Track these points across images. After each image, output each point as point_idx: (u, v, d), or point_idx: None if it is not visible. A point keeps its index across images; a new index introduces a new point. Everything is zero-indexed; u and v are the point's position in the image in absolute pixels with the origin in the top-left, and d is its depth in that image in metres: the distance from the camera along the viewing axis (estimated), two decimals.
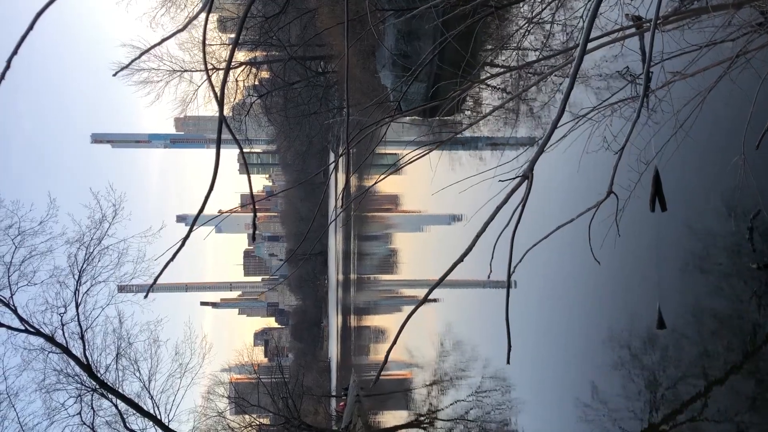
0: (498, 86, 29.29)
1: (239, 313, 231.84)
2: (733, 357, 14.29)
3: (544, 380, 25.18)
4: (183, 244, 4.82)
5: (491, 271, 6.93)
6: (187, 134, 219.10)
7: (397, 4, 23.09)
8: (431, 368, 38.62)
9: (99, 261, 35.61)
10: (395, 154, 70.14)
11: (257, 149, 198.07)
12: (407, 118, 32.31)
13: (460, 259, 4.97)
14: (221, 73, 48.22)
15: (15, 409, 33.13)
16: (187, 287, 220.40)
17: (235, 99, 50.31)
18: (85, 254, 35.19)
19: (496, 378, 28.82)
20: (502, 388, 28.31)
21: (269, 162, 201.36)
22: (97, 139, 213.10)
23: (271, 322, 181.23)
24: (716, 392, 14.44)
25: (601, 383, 19.20)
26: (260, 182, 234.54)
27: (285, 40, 46.22)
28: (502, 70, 24.01)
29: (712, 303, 14.87)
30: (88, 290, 35.31)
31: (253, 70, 52.21)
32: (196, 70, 48.17)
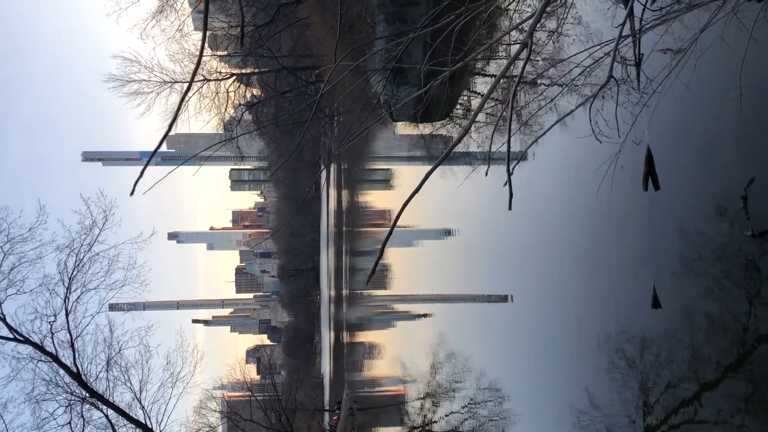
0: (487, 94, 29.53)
1: (231, 331, 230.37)
2: (728, 357, 14.42)
3: (538, 388, 25.29)
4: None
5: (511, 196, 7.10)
6: (178, 151, 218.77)
7: (387, 11, 23.41)
8: (425, 380, 38.60)
9: (89, 268, 35.14)
10: (387, 169, 70.58)
11: (248, 166, 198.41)
12: (399, 123, 32.57)
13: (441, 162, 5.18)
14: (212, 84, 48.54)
15: (3, 421, 32.81)
16: (179, 305, 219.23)
17: (226, 110, 50.24)
18: (75, 261, 34.70)
19: (490, 389, 28.87)
20: (497, 398, 28.34)
21: (260, 179, 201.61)
22: (88, 157, 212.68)
23: (263, 339, 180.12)
24: (712, 395, 14.57)
25: (595, 389, 19.33)
26: (252, 199, 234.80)
27: (276, 50, 46.33)
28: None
29: (708, 291, 14.92)
30: (78, 298, 34.88)
31: (242, 86, 52.45)
32: (187, 81, 48.41)
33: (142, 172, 5.59)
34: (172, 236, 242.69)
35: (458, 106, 32.06)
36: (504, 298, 31.32)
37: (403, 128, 45.16)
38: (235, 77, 50.81)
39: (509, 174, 6.76)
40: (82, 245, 34.77)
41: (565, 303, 23.68)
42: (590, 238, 22.23)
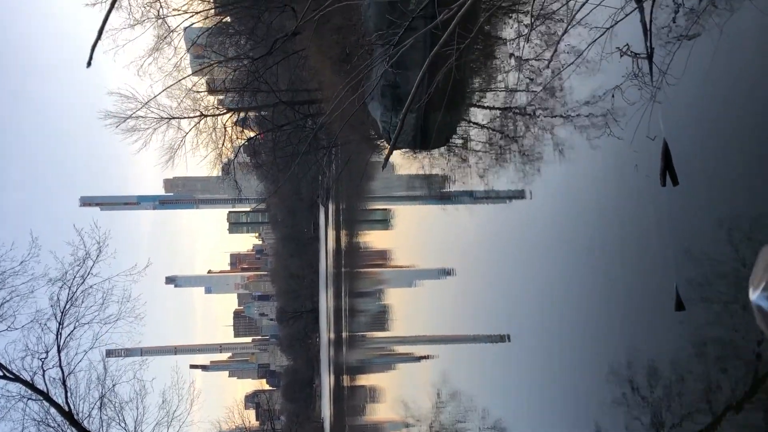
0: (486, 125, 29.61)
1: (230, 376, 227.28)
2: (742, 386, 13.83)
3: (545, 426, 24.72)
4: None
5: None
6: (176, 195, 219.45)
7: (386, 38, 23.53)
8: (428, 421, 37.80)
9: (83, 302, 33.84)
10: (386, 209, 70.54)
11: (246, 208, 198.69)
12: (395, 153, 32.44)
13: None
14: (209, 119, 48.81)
15: None
16: (176, 350, 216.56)
17: (223, 145, 50.21)
18: (68, 294, 33.45)
19: (495, 429, 28.23)
20: None
21: (258, 221, 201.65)
22: (86, 202, 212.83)
23: (262, 383, 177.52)
24: (726, 427, 14.00)
25: (604, 422, 18.80)
26: (250, 241, 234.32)
27: (273, 85, 46.50)
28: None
29: (717, 317, 14.41)
30: (71, 333, 33.65)
31: (239, 122, 52.71)
32: (184, 117, 48.50)
33: (99, 33, 5.15)
34: (170, 280, 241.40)
35: (456, 136, 32.00)
36: (502, 338, 30.96)
37: (401, 166, 45.20)
38: (232, 112, 51.08)
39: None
40: (75, 277, 33.64)
41: (567, 337, 23.34)
42: (590, 271, 22.00)
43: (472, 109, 30.50)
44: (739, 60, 12.57)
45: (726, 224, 13.96)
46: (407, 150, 34.19)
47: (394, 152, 35.82)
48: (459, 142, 32.72)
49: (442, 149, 33.03)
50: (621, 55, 12.32)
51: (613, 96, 13.28)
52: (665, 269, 15.65)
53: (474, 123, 31.55)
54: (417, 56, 21.63)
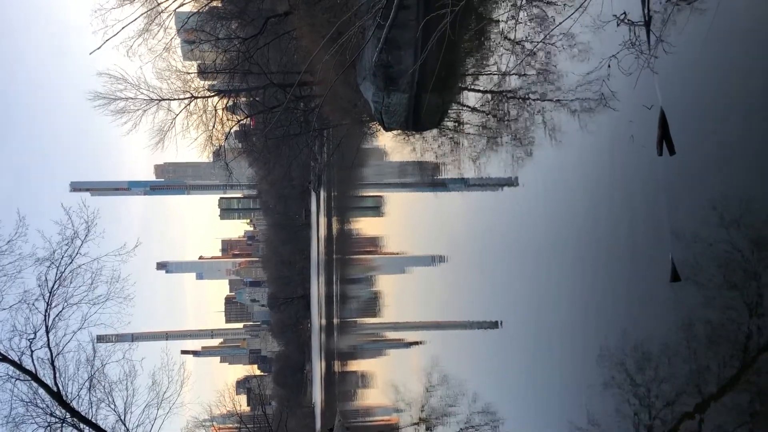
0: (478, 108, 29.48)
1: (221, 361, 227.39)
2: (730, 369, 13.86)
3: (537, 410, 24.92)
4: None
5: None
6: (167, 180, 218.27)
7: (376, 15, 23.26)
8: (418, 404, 38.00)
9: (71, 282, 33.34)
10: (379, 196, 70.47)
11: (238, 194, 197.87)
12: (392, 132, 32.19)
13: None
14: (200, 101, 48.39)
15: None
16: (167, 335, 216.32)
17: (214, 126, 49.71)
18: (56, 273, 32.94)
19: (485, 413, 28.42)
20: (492, 422, 27.89)
21: (250, 207, 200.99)
22: (76, 187, 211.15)
23: (253, 369, 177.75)
24: (715, 408, 14.06)
25: (594, 405, 18.92)
26: (241, 228, 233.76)
27: (264, 66, 46.05)
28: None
29: (709, 299, 14.35)
30: (59, 313, 33.16)
31: (230, 102, 52.26)
32: (174, 99, 47.97)
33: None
34: (161, 266, 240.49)
35: (448, 118, 31.78)
36: (494, 324, 31.03)
37: (394, 152, 45.00)
38: (222, 94, 50.57)
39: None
40: (63, 257, 33.09)
41: (558, 322, 23.48)
42: (580, 256, 22.07)
43: (464, 92, 30.36)
44: (740, 27, 12.19)
45: (719, 207, 13.88)
46: (399, 132, 33.95)
47: (387, 135, 35.54)
48: (451, 125, 32.53)
49: (435, 132, 32.81)
50: (618, 24, 12.14)
51: (609, 66, 13.08)
52: (656, 248, 15.57)
53: (466, 106, 31.38)
54: (409, 36, 21.48)
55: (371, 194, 73.97)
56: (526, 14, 20.13)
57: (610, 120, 16.03)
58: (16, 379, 32.79)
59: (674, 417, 15.60)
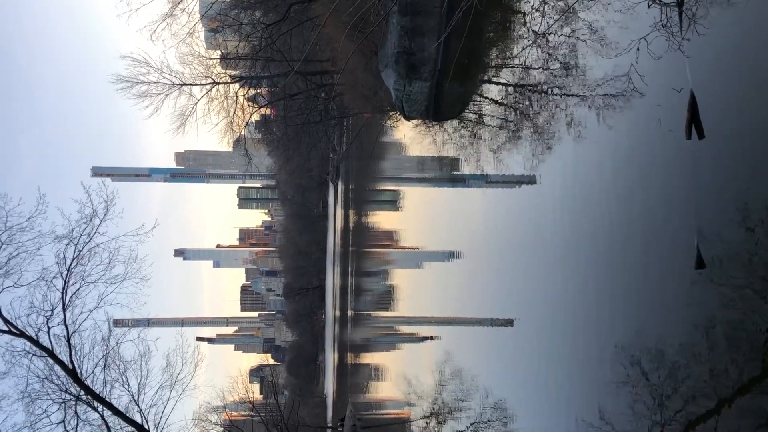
0: (500, 101, 29.18)
1: (235, 349, 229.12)
2: (748, 371, 13.49)
3: (550, 407, 24.81)
4: None
5: None
6: (188, 168, 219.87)
7: (401, 2, 23.01)
8: (430, 398, 37.99)
9: (89, 260, 33.48)
10: (395, 189, 70.38)
11: (257, 184, 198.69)
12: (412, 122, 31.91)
13: None
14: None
15: None
16: (183, 322, 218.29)
17: (234, 113, 49.78)
18: (74, 252, 33.08)
19: (496, 408, 28.35)
20: (503, 418, 27.83)
21: (268, 197, 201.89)
22: (98, 172, 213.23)
23: (267, 358, 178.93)
24: (731, 411, 13.77)
25: (606, 404, 18.74)
26: (259, 217, 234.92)
27: (286, 53, 46.12)
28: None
29: (728, 300, 13.96)
30: (77, 291, 33.37)
31: (250, 90, 52.29)
32: (196, 84, 48.10)
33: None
34: (179, 253, 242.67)
35: (469, 110, 31.44)
36: (508, 322, 30.88)
37: (413, 144, 44.71)
38: (244, 80, 50.57)
39: None
40: (81, 235, 33.22)
41: (572, 319, 23.30)
42: (597, 254, 21.85)
43: (486, 85, 30.10)
44: None
45: (741, 207, 13.46)
46: (419, 121, 33.67)
47: (406, 127, 35.17)
48: (472, 116, 32.22)
49: (455, 123, 32.51)
50: (649, 6, 11.82)
51: (638, 49, 12.70)
52: (679, 238, 15.03)
53: (487, 98, 31.07)
54: (432, 23, 21.29)
55: (389, 188, 73.93)
56: (551, 7, 19.89)
57: (638, 104, 15.60)
58: (33, 354, 33.11)
59: (689, 417, 15.37)
